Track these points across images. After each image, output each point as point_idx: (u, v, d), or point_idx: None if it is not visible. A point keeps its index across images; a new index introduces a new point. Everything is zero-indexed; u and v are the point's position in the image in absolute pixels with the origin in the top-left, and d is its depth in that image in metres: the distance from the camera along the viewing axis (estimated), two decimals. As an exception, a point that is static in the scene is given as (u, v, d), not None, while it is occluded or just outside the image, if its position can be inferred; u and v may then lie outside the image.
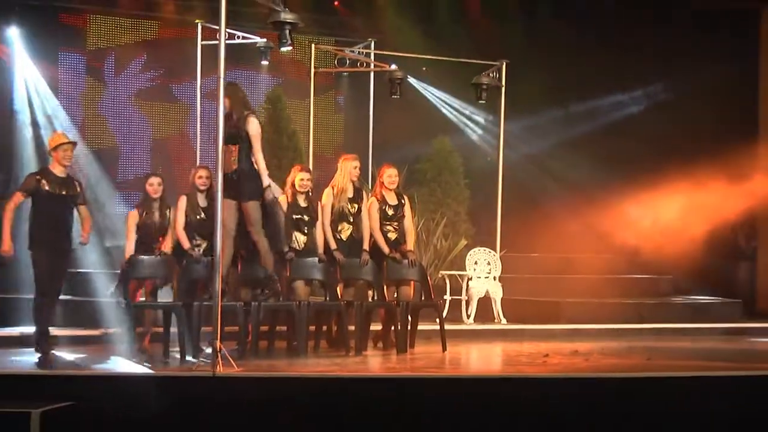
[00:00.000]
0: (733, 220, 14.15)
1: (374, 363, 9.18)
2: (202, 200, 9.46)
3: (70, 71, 15.42)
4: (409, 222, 10.06)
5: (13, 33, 14.76)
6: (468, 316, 12.25)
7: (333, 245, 9.73)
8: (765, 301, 14.25)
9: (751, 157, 14.10)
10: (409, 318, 9.82)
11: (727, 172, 13.51)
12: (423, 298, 10.02)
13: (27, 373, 8.02)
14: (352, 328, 9.62)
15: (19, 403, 6.90)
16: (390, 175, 10.07)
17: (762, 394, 7.88)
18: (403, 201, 10.04)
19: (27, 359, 8.89)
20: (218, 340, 7.75)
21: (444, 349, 9.81)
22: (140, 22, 15.71)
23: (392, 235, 9.98)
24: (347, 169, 9.88)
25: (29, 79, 14.81)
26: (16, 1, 14.54)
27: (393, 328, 9.87)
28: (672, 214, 13.51)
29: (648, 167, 13.79)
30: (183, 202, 9.42)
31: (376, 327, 10.12)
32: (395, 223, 9.99)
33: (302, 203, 9.67)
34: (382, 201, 9.96)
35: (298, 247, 9.64)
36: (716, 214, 13.50)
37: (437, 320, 10.02)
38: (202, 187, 9.46)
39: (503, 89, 13.22)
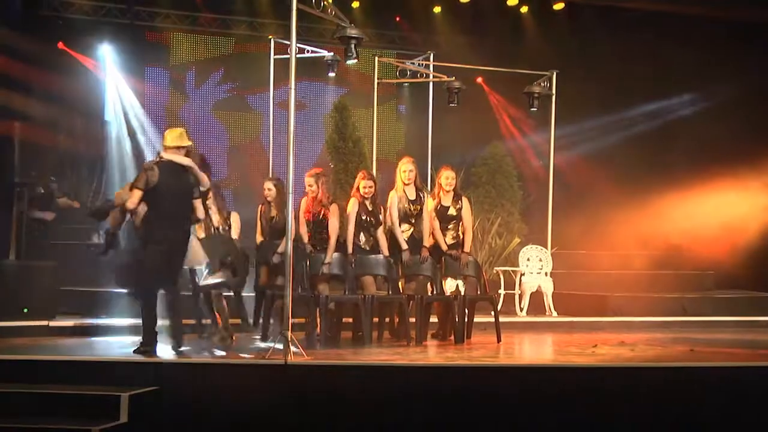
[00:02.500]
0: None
1: (434, 353, 9.13)
2: (272, 209, 9.67)
3: (155, 84, 15.63)
4: (467, 221, 9.97)
5: (105, 50, 15.01)
6: (521, 309, 12.16)
7: (403, 245, 9.71)
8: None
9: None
10: (466, 311, 9.76)
11: (766, 174, 13.27)
12: (479, 293, 9.95)
13: (118, 359, 8.11)
14: (413, 320, 9.58)
15: (110, 386, 7.02)
16: (447, 177, 10.01)
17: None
18: (460, 202, 9.97)
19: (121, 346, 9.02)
20: (289, 331, 7.78)
21: (498, 339, 9.73)
22: (218, 38, 15.89)
23: (451, 234, 9.92)
24: (399, 171, 9.88)
25: (122, 92, 15.06)
26: (107, 21, 14.79)
27: (450, 320, 9.82)
28: (714, 213, 13.29)
29: (691, 170, 13.59)
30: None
31: (434, 320, 10.07)
32: (453, 222, 9.92)
33: (368, 207, 9.67)
34: (439, 203, 9.92)
35: (364, 247, 9.64)
36: (756, 213, 13.25)
37: (492, 313, 9.95)
38: (268, 198, 9.69)
39: (554, 97, 13.10)
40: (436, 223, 9.85)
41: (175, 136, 8.47)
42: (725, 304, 12.81)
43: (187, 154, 8.53)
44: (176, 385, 7.18)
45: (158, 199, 8.09)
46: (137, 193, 8.07)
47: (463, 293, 9.79)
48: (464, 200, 10.03)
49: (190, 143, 8.60)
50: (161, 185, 8.11)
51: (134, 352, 8.09)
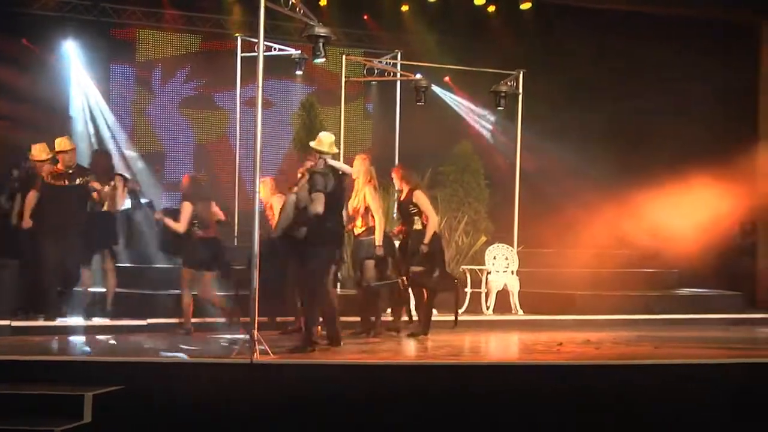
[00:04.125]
0: (734, 217, 14.02)
1: (400, 350, 9.12)
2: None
3: (121, 82, 15.50)
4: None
5: (69, 46, 14.85)
6: (487, 308, 12.18)
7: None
8: (764, 294, 14.09)
9: (750, 160, 13.98)
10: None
11: (729, 173, 13.38)
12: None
13: (81, 359, 8.03)
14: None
15: (73, 386, 6.94)
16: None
17: (762, 380, 7.79)
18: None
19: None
20: (255, 329, 7.73)
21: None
22: (185, 36, 15.77)
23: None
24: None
25: (86, 88, 14.91)
26: (70, 17, 14.63)
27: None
28: (678, 212, 13.39)
29: (655, 169, 13.67)
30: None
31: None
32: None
33: None
34: None
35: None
36: (719, 212, 13.37)
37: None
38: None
39: (520, 96, 13.14)
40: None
41: (332, 141, 9.02)
42: (689, 302, 12.92)
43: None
44: (141, 385, 7.12)
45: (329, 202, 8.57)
46: (322, 197, 8.49)
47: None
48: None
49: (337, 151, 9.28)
50: (333, 189, 8.64)
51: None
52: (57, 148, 9.73)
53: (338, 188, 8.81)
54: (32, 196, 9.69)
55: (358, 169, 9.93)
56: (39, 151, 9.90)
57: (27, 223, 9.68)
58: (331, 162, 8.92)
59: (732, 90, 13.98)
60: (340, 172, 8.97)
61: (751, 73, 14.33)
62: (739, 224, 14.68)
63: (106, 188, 10.11)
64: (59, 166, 9.69)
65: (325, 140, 8.98)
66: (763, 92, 14.40)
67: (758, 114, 14.45)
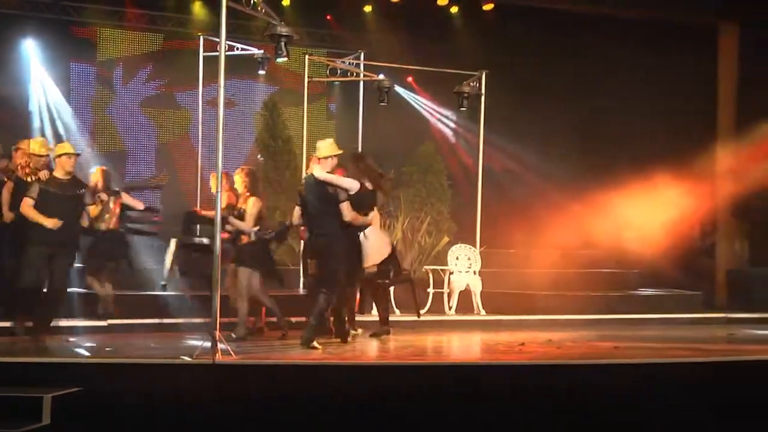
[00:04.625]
0: (694, 218, 14.17)
1: (363, 350, 9.11)
2: None
3: (82, 80, 15.35)
4: None
5: (29, 45, 14.70)
6: (450, 308, 12.20)
7: None
8: (722, 294, 14.26)
9: (710, 160, 14.14)
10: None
11: (689, 173, 13.53)
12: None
13: (40, 360, 7.94)
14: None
15: (31, 388, 6.85)
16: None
17: (720, 378, 7.88)
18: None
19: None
20: (217, 330, 7.69)
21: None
22: (147, 35, 15.64)
23: None
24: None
25: (46, 87, 14.75)
26: (30, 15, 14.47)
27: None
28: (639, 212, 13.51)
29: (616, 170, 13.78)
30: None
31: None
32: None
33: None
34: None
35: None
36: (679, 212, 13.51)
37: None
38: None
39: (483, 97, 13.18)
40: None
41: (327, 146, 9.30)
42: (649, 302, 13.04)
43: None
44: (101, 386, 7.05)
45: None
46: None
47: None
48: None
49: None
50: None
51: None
52: (60, 151, 9.26)
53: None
54: (9, 188, 9.45)
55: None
56: (39, 146, 9.57)
57: (8, 216, 9.43)
58: (318, 175, 9.09)
59: (692, 90, 14.13)
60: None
61: (711, 74, 14.52)
62: (698, 225, 14.85)
63: (94, 206, 9.89)
64: (56, 171, 9.22)
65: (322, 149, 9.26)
66: (721, 93, 14.59)
67: (717, 115, 14.64)
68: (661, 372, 7.99)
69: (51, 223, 8.89)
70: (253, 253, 9.52)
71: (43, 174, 9.27)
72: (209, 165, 11.76)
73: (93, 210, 9.87)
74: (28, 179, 9.36)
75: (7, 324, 9.37)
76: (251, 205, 9.56)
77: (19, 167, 9.64)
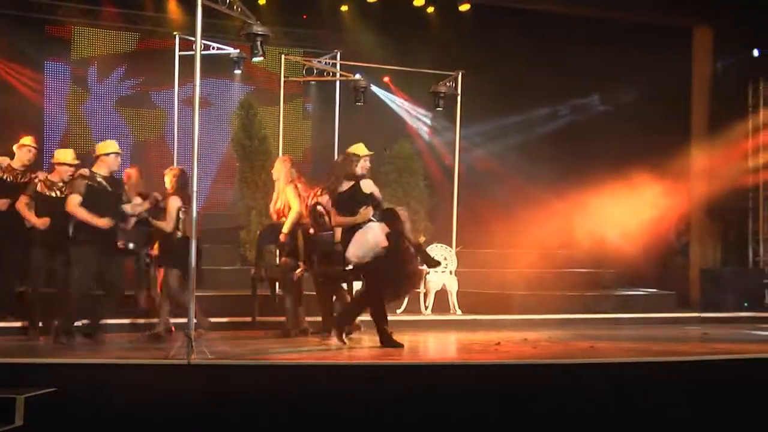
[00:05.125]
0: (669, 218, 14.27)
1: (337, 350, 9.11)
2: None
3: (56, 79, 15.25)
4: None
5: (2, 43, 14.59)
6: (426, 308, 12.22)
7: None
8: (696, 294, 14.36)
9: (685, 160, 14.24)
10: None
11: (664, 174, 13.62)
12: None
13: (13, 360, 7.88)
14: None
15: (4, 389, 6.80)
16: None
17: (694, 377, 7.94)
18: None
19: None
20: (192, 329, 7.66)
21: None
22: (122, 33, 15.57)
23: None
24: None
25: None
26: (5, 13, 14.36)
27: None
28: (614, 213, 13.59)
29: (593, 170, 13.85)
30: None
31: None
32: None
33: None
34: None
35: None
36: (654, 214, 13.60)
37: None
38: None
39: (459, 97, 13.21)
40: None
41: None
42: (625, 302, 13.11)
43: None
44: (75, 387, 7.01)
45: None
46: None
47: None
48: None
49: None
50: None
51: None
52: (108, 150, 9.19)
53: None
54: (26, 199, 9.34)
55: (279, 170, 9.96)
56: (72, 156, 9.47)
57: (42, 222, 9.24)
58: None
59: (668, 91, 14.23)
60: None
61: (686, 76, 14.64)
62: (673, 225, 14.95)
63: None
64: (99, 169, 9.12)
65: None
66: (696, 94, 14.70)
67: (691, 115, 14.76)
68: (637, 371, 8.04)
69: (104, 222, 8.84)
70: (173, 253, 9.51)
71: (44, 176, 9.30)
72: (185, 165, 11.71)
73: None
74: (54, 192, 9.29)
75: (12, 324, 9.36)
76: (170, 205, 9.56)
77: (39, 182, 9.44)
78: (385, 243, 8.93)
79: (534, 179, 14.62)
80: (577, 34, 14.29)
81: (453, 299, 12.34)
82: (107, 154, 9.12)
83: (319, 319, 9.94)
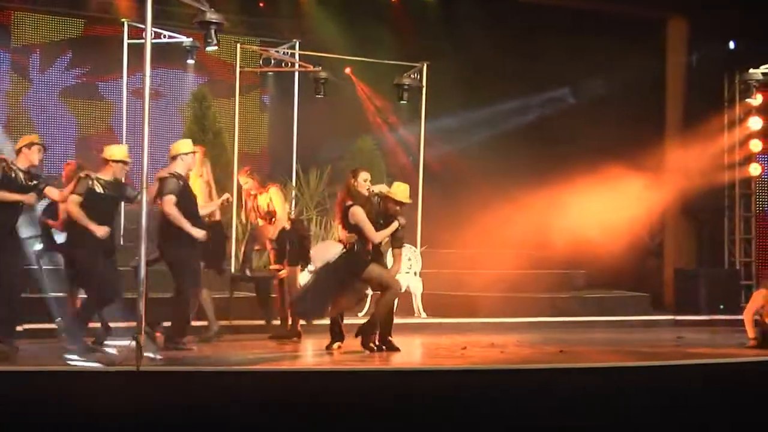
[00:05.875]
0: (642, 218, 14.39)
1: (293, 355, 9.13)
2: None
3: (-6, 68, 15.11)
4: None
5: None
6: (389, 311, 12.23)
7: None
8: (671, 295, 14.52)
9: (659, 157, 14.37)
10: None
11: (638, 171, 13.73)
12: None
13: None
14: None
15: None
16: None
17: (668, 382, 8.04)
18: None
19: None
20: (141, 334, 7.63)
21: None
22: (66, 19, 15.42)
23: None
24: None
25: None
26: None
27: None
28: (586, 211, 13.67)
29: (564, 166, 13.90)
30: None
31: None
32: None
33: None
34: None
35: None
36: (627, 212, 13.70)
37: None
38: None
39: (424, 90, 13.25)
40: None
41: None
42: (596, 304, 13.22)
43: None
44: (16, 396, 6.94)
45: None
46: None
47: None
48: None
49: None
50: None
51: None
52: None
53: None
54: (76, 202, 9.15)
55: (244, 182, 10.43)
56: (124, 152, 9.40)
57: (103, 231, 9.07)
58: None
59: (641, 85, 14.36)
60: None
61: (660, 68, 14.78)
62: (646, 224, 15.07)
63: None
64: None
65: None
66: (670, 87, 14.85)
67: (666, 110, 14.90)
68: (609, 376, 8.12)
69: (200, 234, 9.09)
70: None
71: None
72: (134, 159, 11.65)
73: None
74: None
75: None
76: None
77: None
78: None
79: (502, 175, 14.65)
80: (548, 24, 14.38)
81: (417, 302, 12.37)
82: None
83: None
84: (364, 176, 9.52)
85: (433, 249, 13.39)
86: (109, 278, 8.90)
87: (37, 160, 9.23)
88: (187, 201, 9.14)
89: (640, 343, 10.71)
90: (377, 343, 9.36)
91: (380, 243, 9.41)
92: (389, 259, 9.92)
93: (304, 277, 10.86)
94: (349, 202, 9.29)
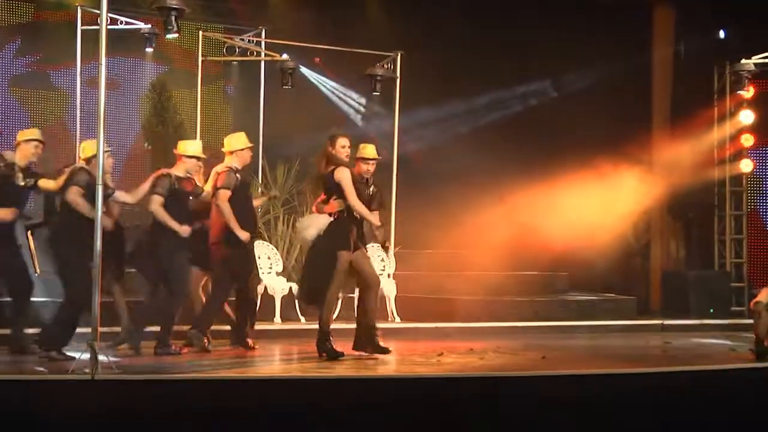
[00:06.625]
0: (628, 218, 14.45)
1: (260, 363, 9.10)
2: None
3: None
4: None
5: None
6: (361, 314, 12.22)
7: None
8: (657, 298, 14.59)
9: (646, 152, 14.42)
10: None
11: (623, 168, 13.79)
12: None
13: None
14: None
15: None
16: None
17: (655, 389, 8.07)
18: None
19: None
20: (97, 341, 7.59)
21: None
22: (15, 3, 15.29)
23: None
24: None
25: None
26: None
27: None
28: (569, 210, 13.71)
29: (545, 162, 13.95)
30: None
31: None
32: None
33: None
34: None
35: None
36: (612, 211, 13.75)
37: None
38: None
39: (398, 80, 13.25)
40: None
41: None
42: (580, 308, 13.26)
43: None
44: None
45: None
46: None
47: None
48: None
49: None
50: None
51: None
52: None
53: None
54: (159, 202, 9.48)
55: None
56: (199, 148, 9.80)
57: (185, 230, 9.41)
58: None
59: (627, 77, 14.41)
60: None
61: (646, 59, 14.83)
62: (631, 224, 15.12)
63: None
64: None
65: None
66: (657, 79, 14.90)
67: (652, 103, 14.96)
68: (593, 384, 8.14)
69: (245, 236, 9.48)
70: None
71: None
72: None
73: None
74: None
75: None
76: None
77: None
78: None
79: (481, 172, 14.67)
80: (529, 12, 14.40)
81: (391, 305, 12.37)
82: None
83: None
84: (342, 142, 9.52)
85: (408, 249, 13.38)
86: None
87: (35, 157, 9.32)
88: (236, 198, 9.50)
89: (626, 348, 10.75)
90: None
91: (362, 223, 9.38)
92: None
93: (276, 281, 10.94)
94: (332, 167, 9.27)
